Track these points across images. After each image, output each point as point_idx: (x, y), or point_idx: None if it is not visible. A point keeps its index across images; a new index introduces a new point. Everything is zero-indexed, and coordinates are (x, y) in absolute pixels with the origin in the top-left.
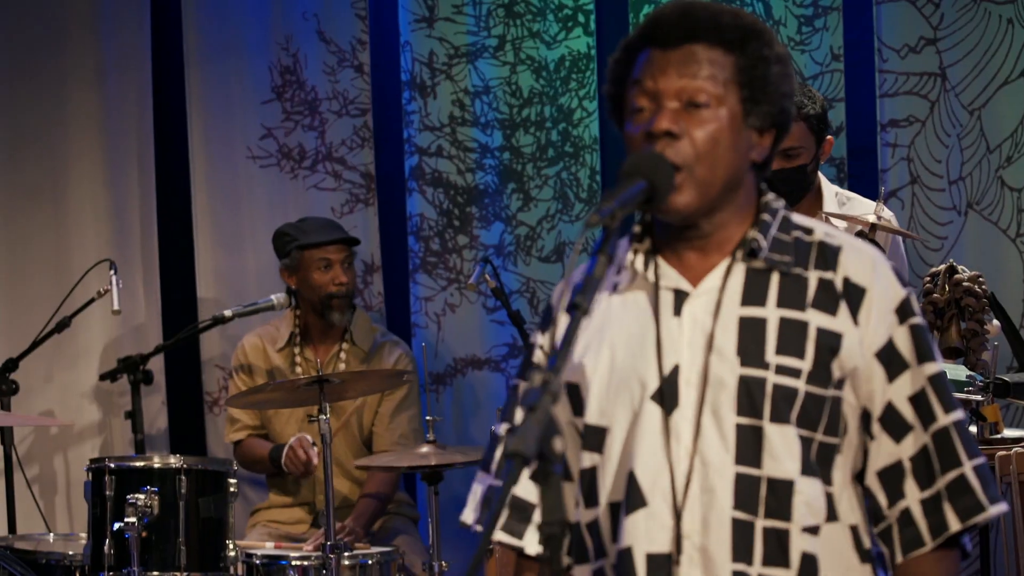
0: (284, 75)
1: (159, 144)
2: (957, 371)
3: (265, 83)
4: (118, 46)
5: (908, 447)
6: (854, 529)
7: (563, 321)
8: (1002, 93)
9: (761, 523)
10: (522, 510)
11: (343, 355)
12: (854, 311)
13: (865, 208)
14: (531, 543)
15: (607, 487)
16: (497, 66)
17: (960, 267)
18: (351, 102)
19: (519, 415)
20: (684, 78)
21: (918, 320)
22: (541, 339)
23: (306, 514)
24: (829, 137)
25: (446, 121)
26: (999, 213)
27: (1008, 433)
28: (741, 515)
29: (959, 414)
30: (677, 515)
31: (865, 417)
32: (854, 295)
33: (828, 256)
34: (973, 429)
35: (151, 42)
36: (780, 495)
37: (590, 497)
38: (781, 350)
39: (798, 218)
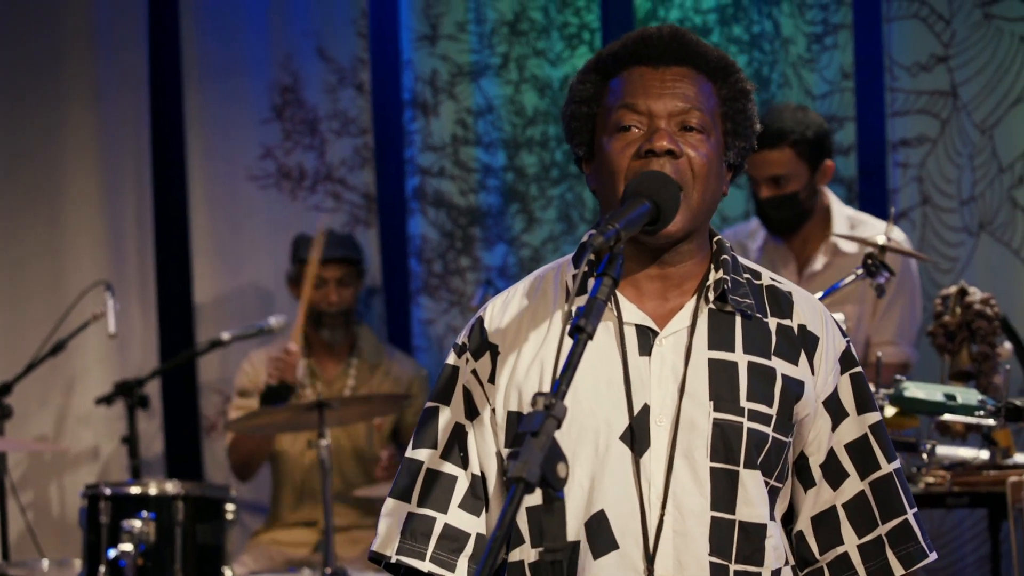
0: (284, 94)
1: (156, 165)
2: (968, 395)
3: (264, 102)
4: (116, 65)
5: (844, 494)
6: (794, 570)
7: (566, 345)
8: (1014, 112)
9: (734, 567)
10: (454, 540)
11: (352, 371)
12: (811, 360)
13: (876, 230)
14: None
15: (568, 527)
16: (501, 85)
17: (971, 289)
18: (352, 121)
19: (522, 440)
20: (680, 100)
21: (859, 369)
22: (475, 364)
23: (308, 535)
24: (828, 161)
25: (448, 141)
26: (1011, 234)
27: (1020, 458)
28: (717, 560)
29: (898, 463)
30: (649, 558)
31: (799, 463)
32: (811, 344)
33: (782, 302)
34: (985, 454)
35: (149, 61)
36: (753, 539)
37: (541, 536)
38: (751, 396)
39: (743, 260)
